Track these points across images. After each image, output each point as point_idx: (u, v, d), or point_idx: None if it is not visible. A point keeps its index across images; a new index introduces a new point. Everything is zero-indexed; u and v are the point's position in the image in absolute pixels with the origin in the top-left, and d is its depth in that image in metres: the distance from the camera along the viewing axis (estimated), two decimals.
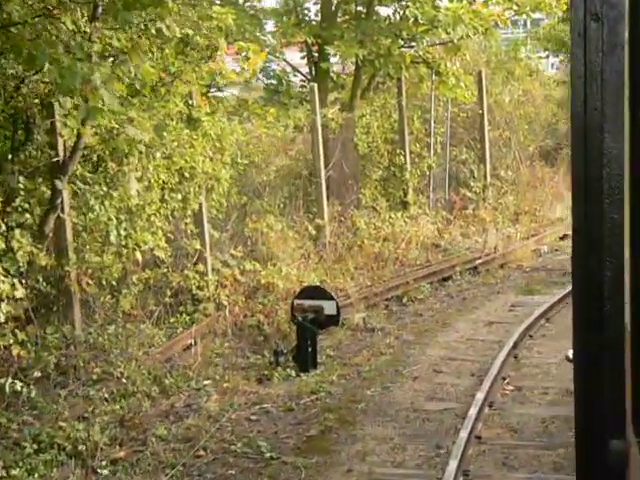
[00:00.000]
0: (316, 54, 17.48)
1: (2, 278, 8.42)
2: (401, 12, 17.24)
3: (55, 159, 9.87)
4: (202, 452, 8.35)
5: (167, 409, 9.34)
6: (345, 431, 8.82)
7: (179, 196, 11.91)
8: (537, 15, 23.57)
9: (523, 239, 17.55)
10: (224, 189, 13.07)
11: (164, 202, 11.69)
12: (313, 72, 17.80)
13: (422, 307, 13.67)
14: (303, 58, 18.27)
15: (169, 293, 11.69)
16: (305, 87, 17.48)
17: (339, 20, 17.69)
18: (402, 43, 17.24)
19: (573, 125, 2.26)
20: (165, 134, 10.88)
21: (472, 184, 19.50)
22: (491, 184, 19.91)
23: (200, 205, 12.47)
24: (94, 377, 9.39)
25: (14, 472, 7.55)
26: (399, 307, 13.62)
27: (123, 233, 10.48)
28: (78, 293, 10.01)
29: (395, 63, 17.06)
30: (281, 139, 16.95)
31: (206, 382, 10.15)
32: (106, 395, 9.28)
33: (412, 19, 16.57)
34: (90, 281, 9.78)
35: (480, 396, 9.27)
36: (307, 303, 11.01)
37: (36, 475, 7.63)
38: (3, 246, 8.86)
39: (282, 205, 15.34)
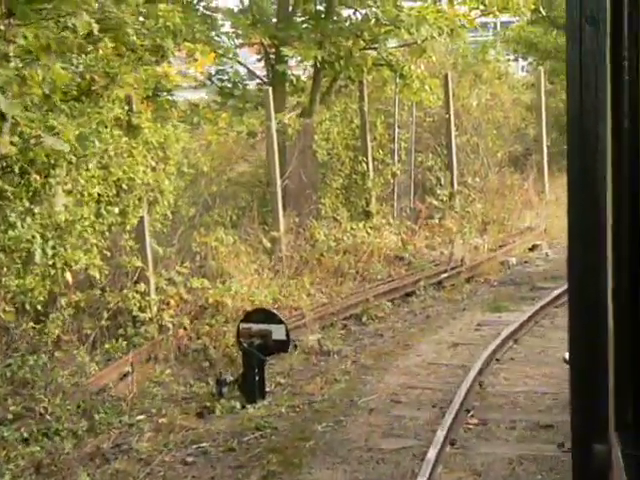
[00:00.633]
0: (273, 56, 16.54)
1: None
2: (362, 12, 16.38)
3: None
4: None
5: (93, 450, 8.37)
6: (289, 476, 7.90)
7: (116, 210, 10.96)
8: (506, 18, 22.90)
9: (491, 250, 16.67)
10: (169, 201, 12.14)
11: (100, 217, 10.74)
12: (270, 75, 16.87)
13: (383, 326, 12.75)
14: (260, 60, 17.34)
15: (106, 315, 10.75)
16: (262, 91, 16.55)
17: (297, 20, 16.77)
18: (364, 45, 16.42)
19: (569, 129, 2.27)
20: (97, 143, 9.91)
21: (438, 192, 18.61)
22: (458, 192, 19.01)
23: (141, 219, 11.53)
24: (9, 416, 8.41)
25: None
26: (358, 326, 12.70)
27: (50, 252, 9.53)
28: None
29: (356, 66, 16.27)
30: (242, 145, 16.08)
31: (140, 417, 9.21)
32: (25, 435, 8.33)
33: (373, 19, 15.73)
34: (7, 307, 8.79)
35: (441, 434, 8.38)
36: (254, 327, 10.07)
37: None
38: None
39: (235, 217, 14.41)
